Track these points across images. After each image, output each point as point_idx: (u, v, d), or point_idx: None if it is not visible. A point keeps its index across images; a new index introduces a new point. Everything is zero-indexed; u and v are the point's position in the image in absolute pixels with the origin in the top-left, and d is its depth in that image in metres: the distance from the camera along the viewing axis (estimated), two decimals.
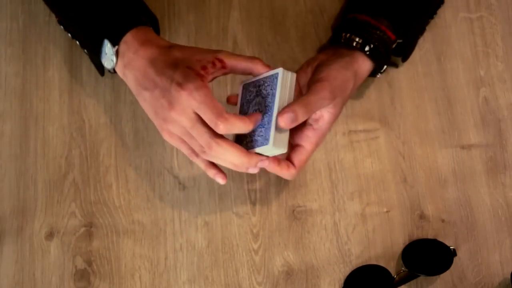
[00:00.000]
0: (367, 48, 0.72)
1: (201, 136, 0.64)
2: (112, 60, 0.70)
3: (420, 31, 0.80)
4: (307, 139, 0.69)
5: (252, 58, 0.68)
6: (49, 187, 0.79)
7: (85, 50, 0.77)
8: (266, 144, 0.66)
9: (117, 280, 0.76)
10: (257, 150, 0.67)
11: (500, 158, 0.79)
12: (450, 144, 0.79)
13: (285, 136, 0.67)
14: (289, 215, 0.77)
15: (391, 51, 0.75)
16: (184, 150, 0.68)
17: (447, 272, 0.75)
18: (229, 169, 0.67)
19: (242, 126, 0.64)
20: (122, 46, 0.69)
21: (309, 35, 0.83)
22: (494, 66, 0.81)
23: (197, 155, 0.68)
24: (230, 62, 0.67)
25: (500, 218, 0.77)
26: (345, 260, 0.76)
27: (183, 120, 0.64)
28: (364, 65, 0.73)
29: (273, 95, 0.66)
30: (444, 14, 0.84)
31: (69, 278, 0.76)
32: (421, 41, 0.82)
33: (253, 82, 0.69)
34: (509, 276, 0.75)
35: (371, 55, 0.72)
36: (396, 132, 0.80)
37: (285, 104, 0.67)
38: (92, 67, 0.82)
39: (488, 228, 0.77)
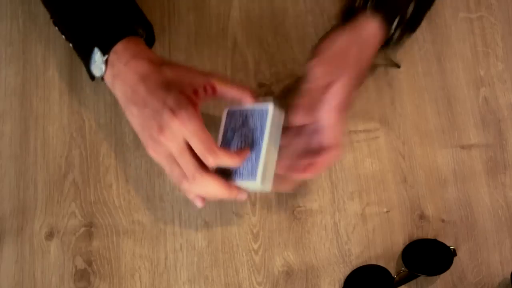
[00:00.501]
0: (369, 4, 0.69)
1: (187, 165, 0.64)
2: (101, 69, 0.69)
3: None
4: (327, 119, 0.68)
5: (243, 87, 0.68)
6: (49, 187, 0.79)
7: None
8: (253, 180, 0.66)
9: (117, 280, 0.76)
10: (241, 182, 0.68)
11: (500, 158, 0.79)
12: (450, 144, 0.79)
13: (271, 175, 0.69)
14: (289, 215, 0.77)
15: (400, 2, 0.71)
16: (166, 168, 0.67)
17: (447, 272, 0.75)
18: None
19: (230, 162, 0.64)
20: (112, 56, 0.68)
21: (309, 36, 0.83)
22: (494, 66, 0.81)
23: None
24: (221, 89, 0.67)
25: (500, 218, 0.77)
26: (345, 260, 0.76)
27: (172, 146, 0.64)
28: (371, 25, 0.69)
29: (262, 131, 0.67)
30: (444, 14, 0.84)
31: (69, 278, 0.76)
32: (421, 41, 0.82)
33: (239, 110, 0.70)
34: (509, 276, 0.75)
35: (376, 7, 0.69)
36: (396, 132, 0.80)
37: (274, 142, 0.69)
38: None
39: (488, 228, 0.77)
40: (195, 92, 0.65)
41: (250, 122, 0.68)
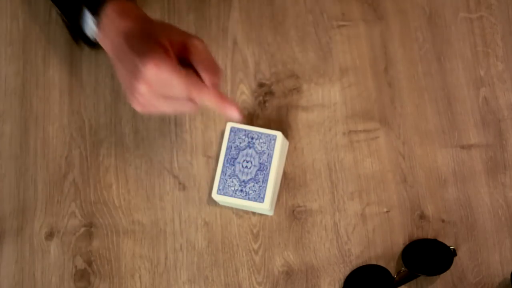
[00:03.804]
0: None
1: (179, 91, 0.62)
2: (93, 29, 0.69)
3: None
4: None
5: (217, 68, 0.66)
6: (49, 187, 0.79)
7: (65, 18, 0.76)
8: (261, 202, 0.73)
9: (117, 280, 0.76)
10: (247, 203, 0.73)
11: (500, 158, 0.79)
12: (450, 144, 0.79)
13: (275, 200, 0.76)
14: (289, 215, 0.77)
15: None
16: (165, 110, 0.66)
17: (447, 272, 0.75)
18: None
19: (214, 100, 0.62)
20: (102, 15, 0.68)
21: (309, 35, 0.83)
22: (494, 66, 0.81)
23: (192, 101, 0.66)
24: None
25: (500, 218, 0.77)
26: (345, 260, 0.76)
27: (151, 91, 0.63)
28: None
29: (270, 155, 0.74)
30: (444, 14, 0.84)
31: (69, 278, 0.76)
32: (421, 41, 0.82)
33: (244, 130, 0.75)
34: (509, 276, 0.75)
35: None
36: (396, 132, 0.80)
37: (280, 168, 0.75)
38: (92, 66, 0.82)
39: (488, 228, 0.77)
40: (171, 44, 0.64)
41: (257, 145, 0.74)
